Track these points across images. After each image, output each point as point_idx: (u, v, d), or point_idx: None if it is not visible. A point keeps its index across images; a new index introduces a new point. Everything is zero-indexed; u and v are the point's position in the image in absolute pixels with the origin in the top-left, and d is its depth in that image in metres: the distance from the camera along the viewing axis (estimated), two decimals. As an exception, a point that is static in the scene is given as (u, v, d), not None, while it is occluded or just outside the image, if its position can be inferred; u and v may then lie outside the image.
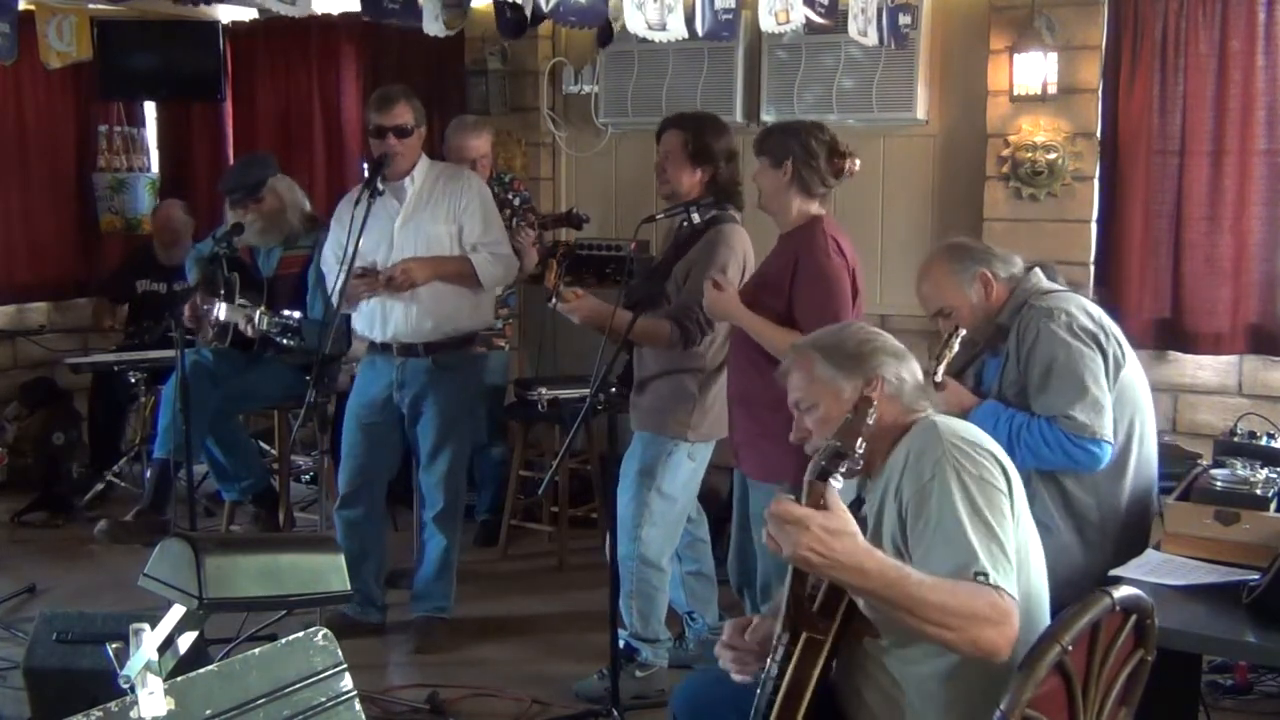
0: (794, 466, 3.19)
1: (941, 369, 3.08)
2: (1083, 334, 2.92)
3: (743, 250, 3.77)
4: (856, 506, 2.28)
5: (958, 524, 1.99)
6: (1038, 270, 3.13)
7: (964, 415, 2.96)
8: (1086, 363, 2.90)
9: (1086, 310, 2.98)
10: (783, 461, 3.21)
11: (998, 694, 1.98)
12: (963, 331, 3.13)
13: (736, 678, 2.27)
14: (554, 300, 3.72)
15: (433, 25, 3.52)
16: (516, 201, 5.26)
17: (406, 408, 4.28)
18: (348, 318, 4.29)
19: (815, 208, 3.47)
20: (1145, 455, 3.05)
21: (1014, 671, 1.84)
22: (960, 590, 1.92)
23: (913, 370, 2.30)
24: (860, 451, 1.92)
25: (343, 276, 3.93)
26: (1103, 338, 2.94)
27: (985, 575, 1.94)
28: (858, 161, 3.48)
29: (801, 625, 2.06)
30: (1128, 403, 3.00)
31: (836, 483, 1.90)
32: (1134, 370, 3.04)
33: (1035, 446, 2.90)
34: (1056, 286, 3.11)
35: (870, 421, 1.96)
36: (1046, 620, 2.18)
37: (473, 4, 3.60)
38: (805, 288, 3.35)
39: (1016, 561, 2.04)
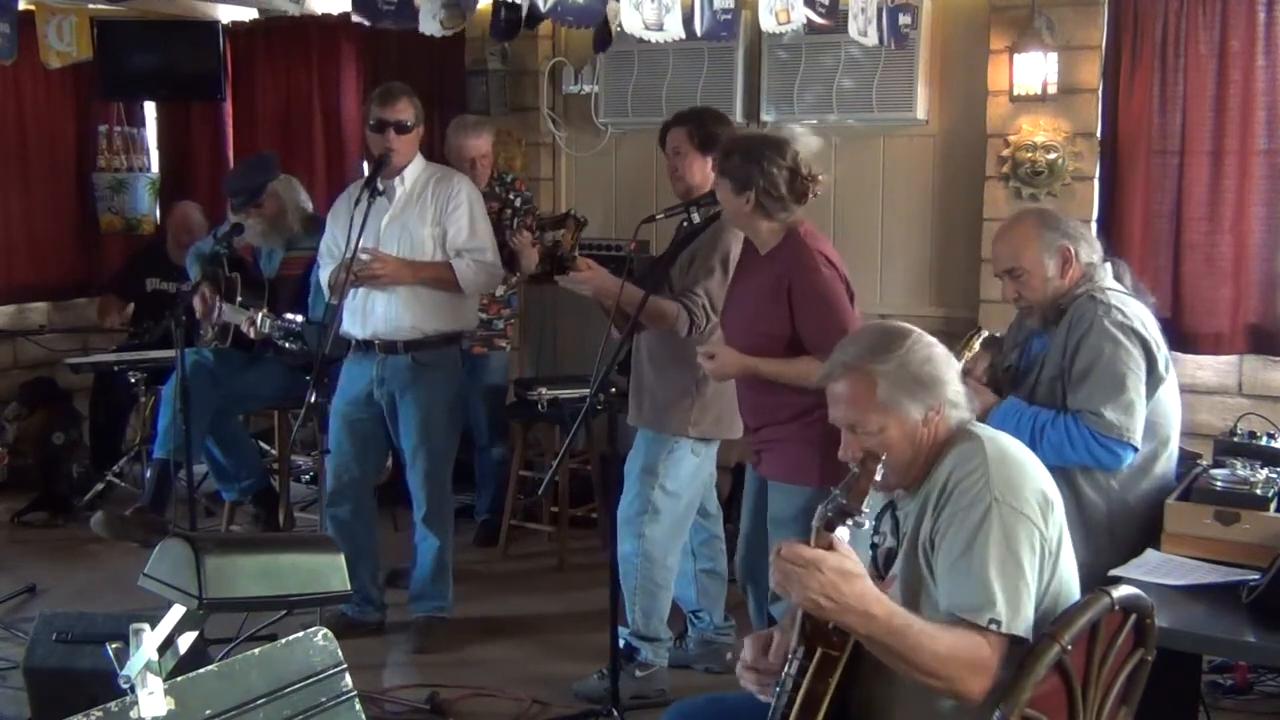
0: (818, 468, 3.18)
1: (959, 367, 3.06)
2: (1134, 337, 2.92)
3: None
4: (889, 509, 2.25)
5: (985, 563, 1.96)
6: (1109, 265, 3.12)
7: (983, 414, 2.95)
8: (1131, 365, 2.90)
9: (1142, 318, 2.98)
10: (808, 463, 3.24)
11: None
12: (985, 333, 3.12)
13: (761, 698, 2.21)
14: (569, 263, 3.67)
15: (430, 25, 3.47)
16: (518, 202, 5.25)
17: (386, 405, 4.28)
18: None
19: (789, 220, 3.37)
20: (1166, 469, 3.07)
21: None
22: (960, 644, 1.92)
23: (961, 376, 2.24)
24: (866, 511, 1.93)
25: (342, 275, 3.95)
26: (1153, 347, 2.95)
27: (999, 624, 1.93)
28: (822, 179, 3.35)
29: (817, 641, 2.03)
30: (1162, 416, 3.01)
31: (843, 533, 1.89)
32: (1172, 385, 3.05)
33: (1059, 444, 2.90)
34: (1122, 287, 3.10)
35: (878, 478, 1.95)
36: None
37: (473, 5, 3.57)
38: (806, 312, 3.27)
39: (1057, 590, 2.04)
